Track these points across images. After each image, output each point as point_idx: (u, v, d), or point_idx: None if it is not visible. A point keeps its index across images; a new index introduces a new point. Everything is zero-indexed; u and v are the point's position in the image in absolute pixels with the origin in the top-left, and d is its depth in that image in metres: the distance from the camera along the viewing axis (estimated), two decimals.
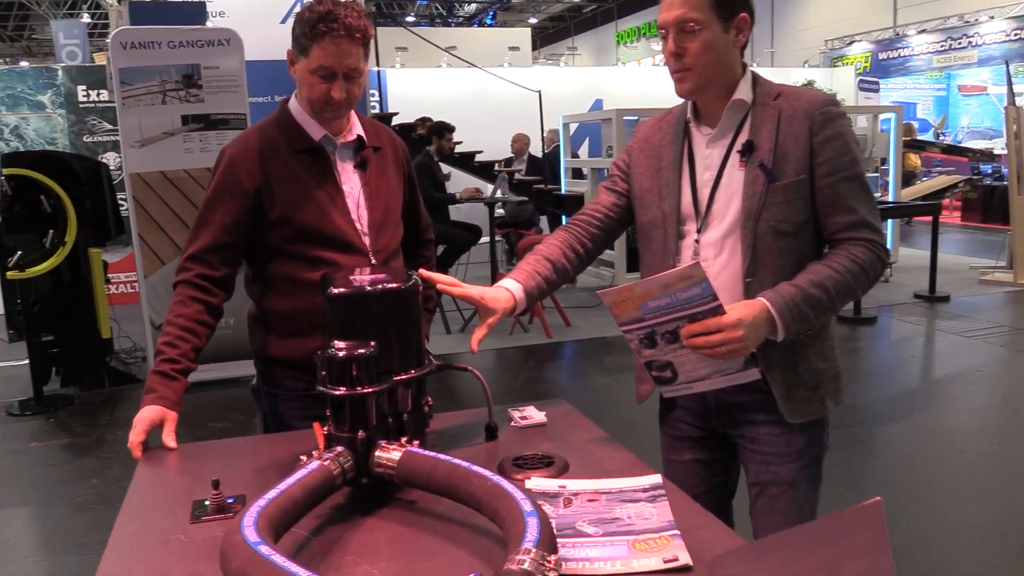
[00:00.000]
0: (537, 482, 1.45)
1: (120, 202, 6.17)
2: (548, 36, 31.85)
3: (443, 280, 1.66)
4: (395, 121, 8.34)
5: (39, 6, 21.78)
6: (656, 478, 1.45)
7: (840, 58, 16.79)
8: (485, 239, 7.46)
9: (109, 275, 6.06)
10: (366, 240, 1.94)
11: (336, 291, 1.41)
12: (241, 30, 5.44)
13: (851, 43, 16.84)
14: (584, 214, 1.89)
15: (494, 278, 7.11)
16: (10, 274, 5.15)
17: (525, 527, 1.09)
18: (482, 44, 12.81)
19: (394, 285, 1.45)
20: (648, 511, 1.33)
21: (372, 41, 1.86)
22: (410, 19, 27.08)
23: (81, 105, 8.19)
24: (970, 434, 4.46)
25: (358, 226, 1.93)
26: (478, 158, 8.35)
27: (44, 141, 8.13)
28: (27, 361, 5.38)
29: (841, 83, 14.32)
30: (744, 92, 1.68)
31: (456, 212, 9.08)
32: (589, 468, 1.52)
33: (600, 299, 1.59)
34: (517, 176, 8.24)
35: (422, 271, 1.61)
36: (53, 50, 10.36)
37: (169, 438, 1.71)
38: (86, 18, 20.56)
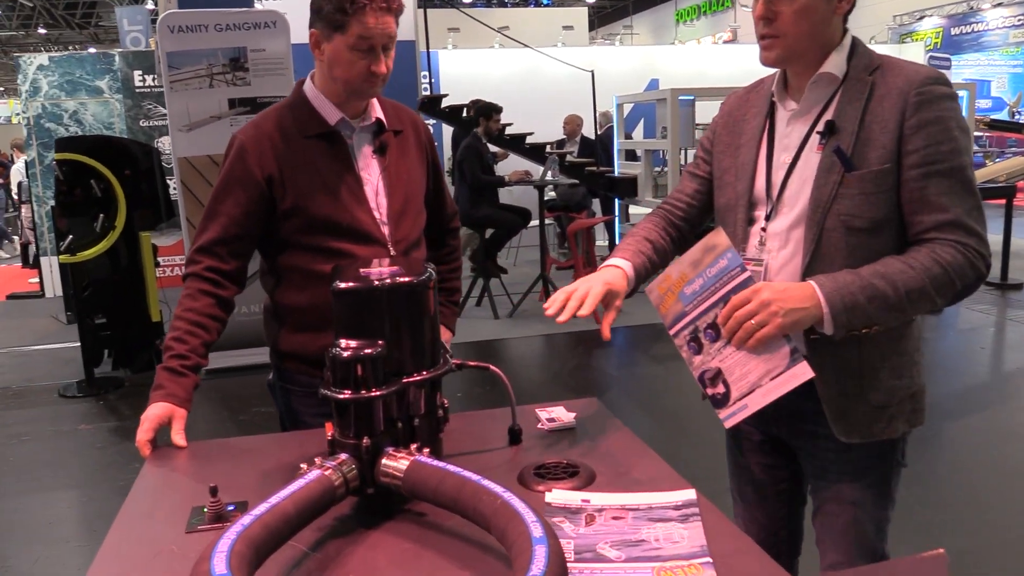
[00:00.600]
0: (559, 495, 1.33)
1: (172, 186, 6.21)
2: (606, 16, 31.34)
3: (572, 308, 1.51)
4: (444, 103, 8.23)
5: None
6: (690, 493, 1.32)
7: (909, 34, 16.12)
8: (535, 223, 7.33)
9: (159, 259, 6.12)
10: (385, 230, 1.83)
11: (343, 286, 1.31)
12: (291, 12, 5.39)
13: (921, 18, 16.16)
14: (667, 203, 1.76)
15: (543, 262, 6.98)
16: (62, 258, 5.22)
17: (532, 556, 0.97)
18: (536, 24, 12.62)
19: (406, 279, 1.34)
20: (679, 533, 1.20)
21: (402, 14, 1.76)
22: (467, 0, 26.96)
23: (137, 90, 8.28)
24: None
25: (376, 215, 1.83)
26: (529, 140, 8.19)
27: (102, 126, 8.25)
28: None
29: (910, 59, 13.75)
30: (835, 64, 1.48)
31: (508, 195, 8.98)
32: (617, 478, 1.40)
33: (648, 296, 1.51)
34: (569, 158, 8.06)
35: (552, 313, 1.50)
36: (118, 37, 10.51)
37: (178, 436, 1.64)
38: (150, 4, 20.92)
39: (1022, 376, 5.19)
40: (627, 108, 9.28)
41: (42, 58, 8.06)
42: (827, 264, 1.45)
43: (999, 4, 15.71)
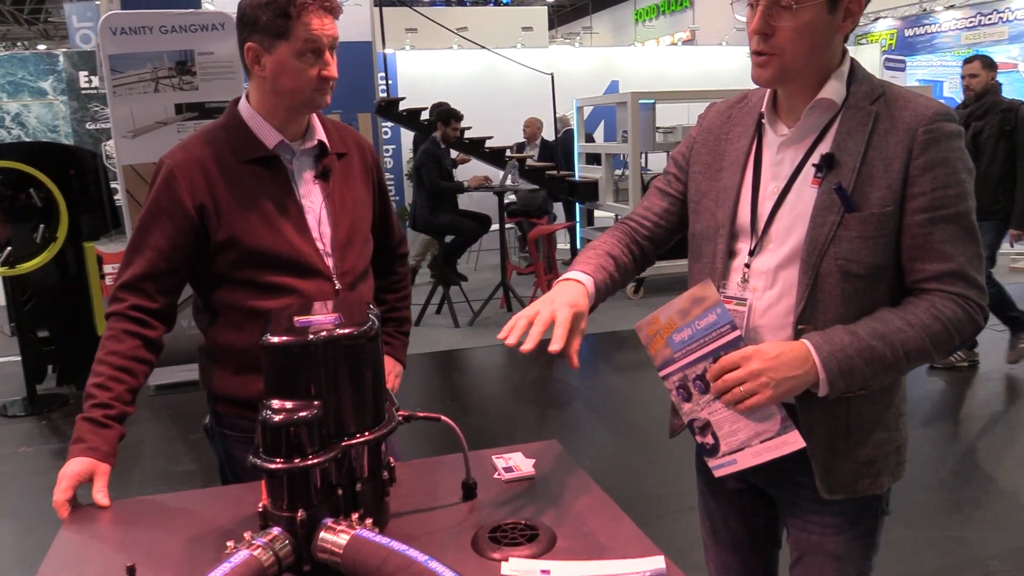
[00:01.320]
0: (516, 564, 1.21)
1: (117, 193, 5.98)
2: (566, 15, 31.31)
3: (537, 338, 1.36)
4: (402, 106, 8.07)
5: None
6: (659, 561, 1.21)
7: (865, 35, 16.27)
8: (496, 227, 7.21)
9: (106, 267, 5.88)
10: (329, 262, 1.70)
11: (273, 341, 1.18)
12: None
13: (876, 20, 16.31)
14: (631, 220, 1.62)
15: (504, 268, 6.87)
16: (0, 270, 4.97)
17: None
18: (495, 24, 12.47)
19: (345, 331, 1.21)
20: None
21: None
22: None
23: (83, 92, 8.00)
24: None
25: (320, 245, 1.69)
26: (489, 143, 8.07)
27: (46, 128, 7.96)
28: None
29: (865, 62, 13.79)
30: (834, 89, 1.35)
31: (468, 200, 8.85)
32: (581, 542, 1.28)
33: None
34: (529, 162, 7.95)
35: (529, 347, 1.35)
36: (68, 34, 10.17)
37: (100, 494, 1.50)
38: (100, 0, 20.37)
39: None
40: (587, 111, 9.20)
41: None
42: (821, 311, 1.34)
43: (951, 6, 15.95)
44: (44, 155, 5.30)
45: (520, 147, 8.66)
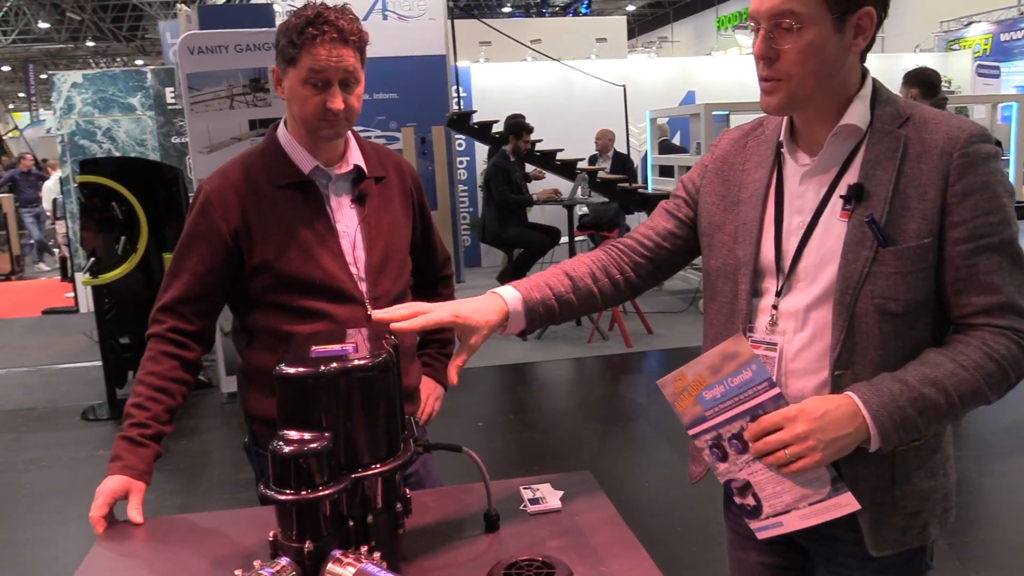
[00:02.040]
0: None
1: None
2: (646, 23, 31.11)
3: (398, 316, 1.30)
4: (475, 119, 8.13)
5: (151, 7, 22.65)
6: None
7: (956, 40, 15.63)
8: (565, 240, 7.18)
9: None
10: (362, 286, 1.70)
11: (284, 371, 1.18)
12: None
13: (969, 24, 15.64)
14: (631, 238, 1.53)
15: None
16: (84, 279, 5.21)
17: None
18: (570, 35, 12.46)
19: (360, 362, 1.20)
20: None
21: (366, 48, 1.63)
22: (506, 9, 26.94)
23: (169, 107, 8.31)
24: None
25: (353, 270, 1.70)
26: (561, 156, 8.05)
27: (134, 143, 8.30)
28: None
29: (957, 69, 13.26)
30: (858, 114, 1.26)
31: (540, 213, 8.84)
32: None
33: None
34: (601, 174, 7.90)
35: (374, 312, 1.32)
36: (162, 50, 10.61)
37: (135, 512, 1.54)
38: None
39: None
40: (661, 122, 9.08)
41: (76, 75, 8.13)
42: (859, 355, 1.25)
43: None
44: (126, 171, 5.53)
45: (592, 159, 8.61)
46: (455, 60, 8.64)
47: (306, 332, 1.47)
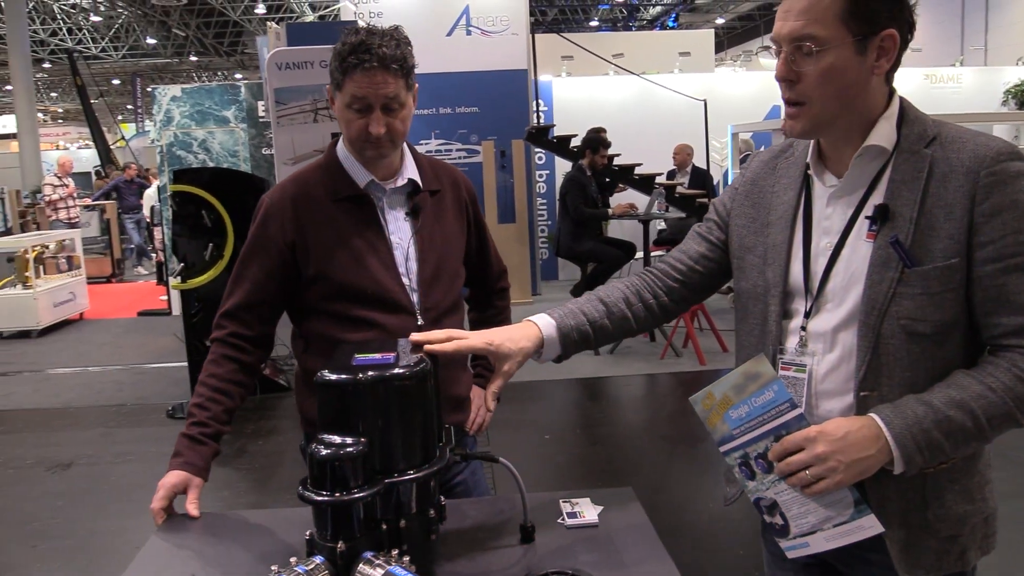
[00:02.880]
0: None
1: None
2: (736, 36, 30.70)
3: (430, 338, 1.36)
4: (556, 132, 8.18)
5: (250, 23, 23.61)
6: None
7: None
8: (640, 255, 7.14)
9: None
10: (414, 297, 1.75)
11: (325, 378, 1.24)
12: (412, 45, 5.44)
13: None
14: (665, 262, 1.54)
15: None
16: (173, 284, 5.46)
17: None
18: (653, 49, 12.40)
19: (397, 371, 1.25)
20: None
21: (413, 71, 1.69)
22: (593, 23, 27.00)
23: (260, 120, 8.63)
24: None
25: (406, 281, 1.75)
26: (641, 170, 8.02)
27: (227, 154, 8.65)
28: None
29: None
30: (883, 134, 1.25)
31: (619, 228, 8.81)
32: None
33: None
34: (679, 189, 7.84)
35: (414, 336, 1.37)
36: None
37: (192, 506, 1.62)
38: None
39: None
40: (743, 137, 8.95)
41: (175, 89, 8.54)
42: (885, 376, 1.24)
43: None
44: (220, 179, 5.78)
45: (671, 174, 8.55)
46: (536, 74, 8.70)
47: (356, 340, 1.53)
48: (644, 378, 6.10)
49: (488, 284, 2.04)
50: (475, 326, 2.05)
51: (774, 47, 1.26)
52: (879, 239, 1.24)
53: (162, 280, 10.20)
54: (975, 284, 1.22)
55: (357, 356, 1.30)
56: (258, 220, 1.76)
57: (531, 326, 1.42)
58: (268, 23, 8.98)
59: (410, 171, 1.80)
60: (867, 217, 1.26)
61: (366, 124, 1.66)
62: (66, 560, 3.55)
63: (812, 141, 1.36)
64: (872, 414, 1.21)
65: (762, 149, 1.51)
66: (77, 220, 11.85)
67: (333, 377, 1.23)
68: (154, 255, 12.20)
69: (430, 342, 1.35)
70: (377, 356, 1.30)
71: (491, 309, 2.07)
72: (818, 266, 1.32)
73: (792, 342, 1.34)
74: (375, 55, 1.60)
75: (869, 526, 1.23)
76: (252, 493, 4.21)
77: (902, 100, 1.29)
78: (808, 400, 1.30)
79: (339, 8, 9.25)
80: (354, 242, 1.73)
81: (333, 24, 6.74)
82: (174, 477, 1.63)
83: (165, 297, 9.27)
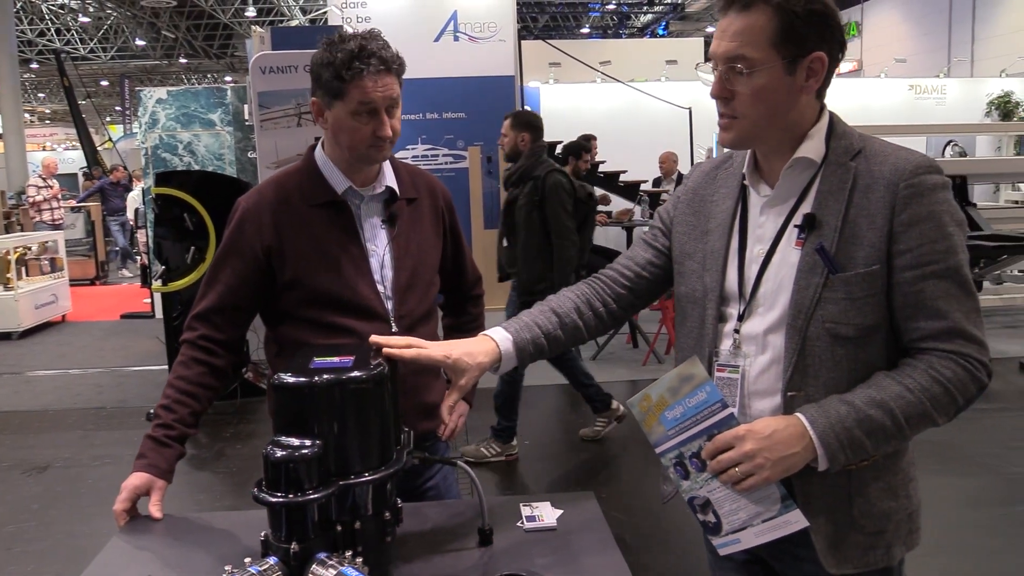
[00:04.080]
0: None
1: None
2: None
3: (391, 343, 1.38)
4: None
5: (240, 26, 23.59)
6: None
7: None
8: None
9: None
10: (389, 305, 1.76)
11: (280, 380, 1.25)
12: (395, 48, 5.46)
13: None
14: (613, 269, 1.59)
15: None
16: (154, 287, 5.45)
17: None
18: (641, 57, 12.47)
19: (353, 374, 1.26)
20: None
21: (404, 72, 1.70)
22: (584, 31, 27.11)
23: (246, 123, 8.62)
24: None
25: (381, 288, 1.76)
26: (627, 177, 8.07)
27: (213, 157, 8.64)
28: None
29: None
30: (812, 147, 1.32)
31: (603, 236, 8.83)
32: None
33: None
34: (664, 197, 7.88)
35: (374, 337, 1.38)
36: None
37: (155, 508, 1.62)
38: None
39: None
40: None
41: (161, 91, 8.53)
42: (812, 377, 1.30)
43: None
44: (203, 183, 5.79)
45: (656, 182, 8.59)
46: (523, 81, 8.73)
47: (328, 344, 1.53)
48: (626, 384, 6.11)
49: (463, 291, 2.05)
50: (449, 332, 2.06)
51: (712, 64, 1.31)
52: (806, 246, 1.30)
53: (146, 283, 10.18)
54: (895, 290, 1.27)
55: (315, 359, 1.31)
56: (233, 224, 1.75)
57: (488, 341, 1.45)
58: (254, 27, 8.96)
59: (388, 179, 1.80)
60: (796, 226, 1.32)
61: (374, 129, 1.66)
62: (41, 562, 3.54)
63: (748, 153, 1.41)
64: (798, 413, 1.27)
65: (703, 160, 1.55)
66: (61, 222, 11.81)
67: (289, 380, 1.25)
68: (138, 258, 12.17)
69: (390, 347, 1.36)
70: (335, 359, 1.31)
71: (465, 316, 2.08)
72: (751, 272, 1.37)
73: (727, 344, 1.39)
74: (378, 57, 1.62)
75: (795, 521, 1.28)
76: (230, 496, 4.20)
77: (832, 115, 1.35)
78: (741, 400, 1.36)
79: (327, 12, 9.26)
80: (330, 248, 1.73)
81: (318, 28, 6.76)
82: (137, 479, 1.63)
83: (148, 300, 9.24)
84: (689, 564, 3.32)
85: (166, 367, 6.25)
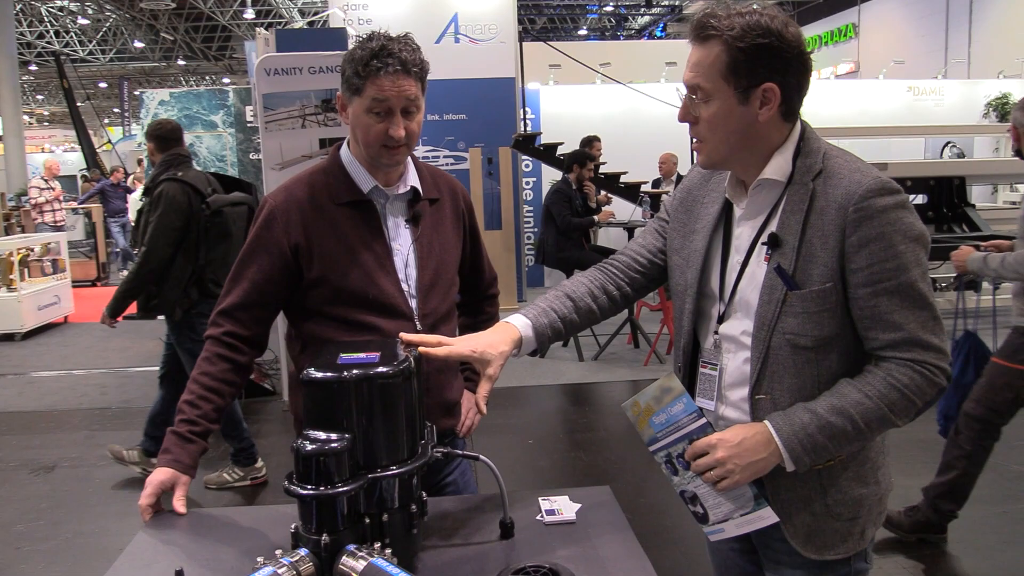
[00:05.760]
0: None
1: None
2: None
3: (424, 340, 1.46)
4: (540, 141, 8.24)
5: (239, 28, 23.60)
6: None
7: None
8: None
9: None
10: (413, 303, 1.79)
11: (310, 375, 1.28)
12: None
13: None
14: (625, 255, 1.67)
15: (632, 304, 6.84)
16: None
17: None
18: (640, 59, 12.51)
19: (380, 369, 1.29)
20: None
21: (427, 75, 1.72)
22: (582, 32, 27.15)
23: (248, 124, 8.65)
24: None
25: (405, 287, 1.78)
26: (626, 179, 8.09)
27: (215, 158, 8.67)
28: None
29: None
30: (777, 168, 1.39)
31: (606, 237, 8.88)
32: None
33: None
34: (664, 198, 7.91)
35: (403, 335, 1.45)
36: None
37: (179, 503, 1.65)
38: None
39: None
40: None
41: (163, 93, 8.57)
42: (776, 383, 1.40)
43: None
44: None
45: (656, 183, 8.63)
46: (523, 83, 8.76)
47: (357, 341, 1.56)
48: (628, 384, 6.14)
49: (480, 290, 2.08)
50: (463, 331, 2.08)
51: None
52: (771, 263, 1.38)
53: None
54: (853, 304, 1.36)
55: (342, 355, 1.34)
56: (260, 221, 1.77)
57: (510, 327, 1.52)
58: (257, 29, 8.98)
59: (412, 178, 1.83)
60: (763, 243, 1.40)
61: (386, 128, 1.68)
62: (50, 561, 3.56)
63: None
64: (765, 421, 1.38)
65: None
66: (63, 223, 11.82)
67: (319, 375, 1.27)
68: None
69: (424, 344, 1.43)
70: (362, 355, 1.34)
71: (482, 315, 2.10)
72: (730, 278, 1.46)
73: (709, 343, 1.49)
74: (397, 58, 1.64)
75: (767, 517, 1.41)
76: (237, 495, 4.22)
77: (805, 132, 1.41)
78: (719, 393, 1.47)
79: (328, 15, 9.29)
80: (356, 247, 1.75)
81: (322, 31, 6.79)
82: (162, 474, 1.65)
83: None
84: (692, 559, 3.36)
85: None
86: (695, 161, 1.48)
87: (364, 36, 1.71)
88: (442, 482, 1.89)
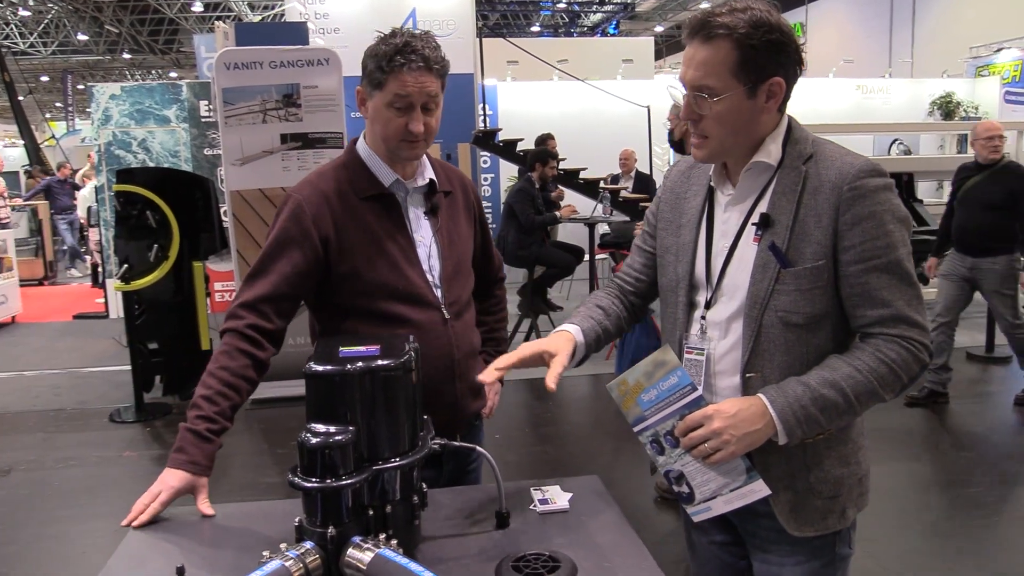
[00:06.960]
0: None
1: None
2: (674, 44, 31.26)
3: (501, 365, 1.49)
4: (502, 136, 8.25)
5: (187, 21, 23.13)
6: None
7: (986, 67, 15.56)
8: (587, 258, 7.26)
9: (215, 284, 6.22)
10: (438, 293, 1.81)
11: (313, 368, 1.28)
12: (356, 47, 5.44)
13: (999, 50, 15.57)
14: (618, 278, 1.76)
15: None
16: (116, 285, 5.36)
17: None
18: (597, 56, 12.57)
19: (382, 362, 1.30)
20: None
21: (447, 73, 1.75)
22: (535, 29, 27.21)
23: (203, 119, 8.51)
24: None
25: (429, 278, 1.81)
26: (585, 175, 8.14)
27: (168, 153, 8.50)
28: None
29: (985, 95, 13.25)
30: (769, 152, 1.44)
31: (564, 232, 8.91)
32: (601, 575, 1.33)
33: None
34: (623, 194, 7.98)
35: (481, 377, 1.50)
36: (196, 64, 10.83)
37: (205, 505, 1.62)
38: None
39: None
40: None
41: (114, 87, 8.36)
42: (767, 360, 1.44)
43: None
44: (160, 180, 5.68)
45: (615, 178, 8.70)
46: (482, 79, 8.75)
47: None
48: (589, 378, 6.20)
49: (490, 276, 2.12)
50: (477, 315, 2.11)
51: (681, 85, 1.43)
52: (762, 243, 1.43)
53: (98, 282, 9.95)
54: (842, 281, 1.40)
55: (342, 349, 1.35)
56: (286, 214, 1.74)
57: (566, 334, 1.58)
58: (216, 22, 8.82)
59: (429, 171, 1.86)
60: (753, 224, 1.44)
61: (406, 123, 1.70)
62: (9, 566, 3.47)
63: None
64: (759, 394, 1.41)
65: (680, 160, 1.72)
66: (8, 220, 11.46)
67: (320, 369, 1.28)
68: (88, 257, 11.90)
69: (503, 369, 1.49)
70: (362, 348, 1.34)
71: (492, 298, 2.15)
72: (717, 264, 1.50)
73: (695, 329, 1.52)
74: (420, 55, 1.66)
75: (759, 490, 1.43)
76: (234, 491, 4.17)
77: (791, 121, 1.47)
78: (707, 379, 1.50)
79: (285, 9, 9.17)
80: (383, 240, 1.76)
81: (282, 25, 6.71)
82: (178, 480, 1.58)
83: (102, 300, 9.06)
84: (663, 553, 3.41)
85: (128, 367, 6.15)
86: (692, 155, 1.50)
87: (386, 32, 1.73)
88: (467, 468, 1.96)
